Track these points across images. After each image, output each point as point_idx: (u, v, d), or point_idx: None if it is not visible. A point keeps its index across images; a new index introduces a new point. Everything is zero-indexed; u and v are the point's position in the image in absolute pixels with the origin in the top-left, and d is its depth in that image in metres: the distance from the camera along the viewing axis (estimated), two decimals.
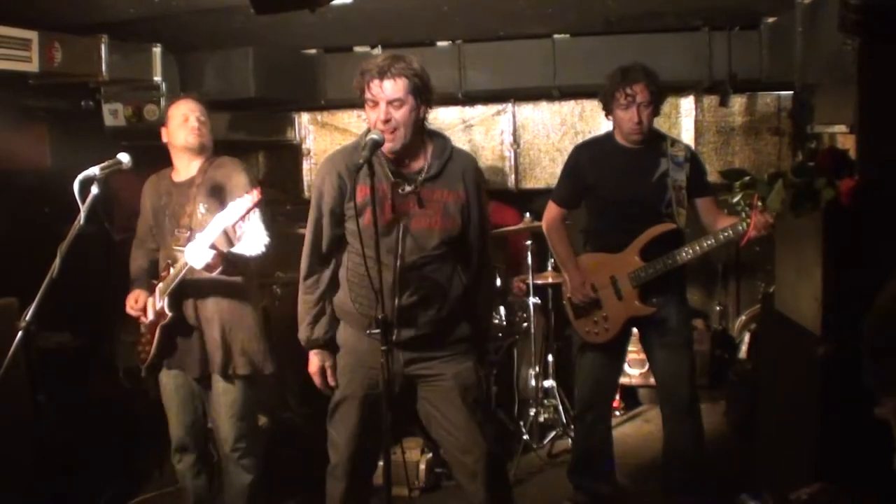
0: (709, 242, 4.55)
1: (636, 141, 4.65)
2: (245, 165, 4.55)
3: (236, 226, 4.12)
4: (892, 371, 1.34)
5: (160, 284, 4.36)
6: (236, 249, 4.24)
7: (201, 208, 4.36)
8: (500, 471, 4.06)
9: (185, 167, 4.47)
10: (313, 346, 3.91)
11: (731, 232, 4.43)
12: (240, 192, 4.10)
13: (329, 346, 3.90)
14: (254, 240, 4.29)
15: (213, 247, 3.99)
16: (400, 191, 3.64)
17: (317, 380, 3.92)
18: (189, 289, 4.33)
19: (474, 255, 3.85)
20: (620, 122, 4.64)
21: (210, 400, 4.50)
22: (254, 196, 3.89)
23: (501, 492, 4.00)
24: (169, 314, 4.31)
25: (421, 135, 3.70)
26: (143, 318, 4.44)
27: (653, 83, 4.54)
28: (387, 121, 3.51)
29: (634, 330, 4.92)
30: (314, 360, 3.92)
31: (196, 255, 3.98)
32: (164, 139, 4.49)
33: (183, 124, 4.40)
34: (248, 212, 3.91)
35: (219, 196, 4.36)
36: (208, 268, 4.04)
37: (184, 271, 4.16)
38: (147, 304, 4.42)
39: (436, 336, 3.79)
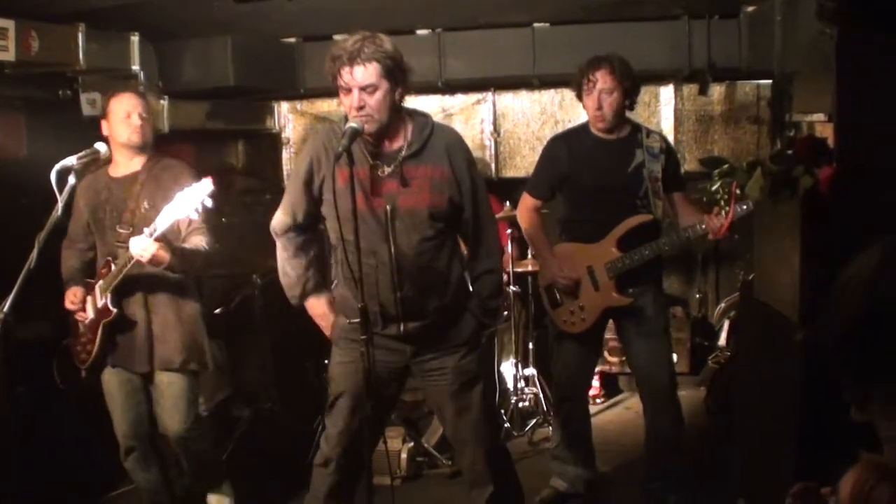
0: (687, 234, 4.56)
1: (602, 129, 4.66)
2: (193, 171, 4.47)
3: (181, 223, 4.08)
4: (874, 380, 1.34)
5: (100, 282, 4.29)
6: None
7: (145, 204, 4.30)
8: (501, 461, 4.06)
9: (126, 163, 4.41)
10: (308, 297, 3.89)
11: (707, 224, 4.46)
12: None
13: (319, 289, 3.89)
14: (198, 240, 4.28)
15: (159, 239, 3.96)
16: (380, 173, 3.60)
17: (323, 323, 3.91)
18: (132, 285, 4.28)
19: (471, 230, 3.81)
20: (586, 109, 4.67)
21: (153, 390, 4.46)
22: (207, 184, 3.81)
23: (504, 482, 4.01)
24: (113, 311, 4.25)
25: (400, 114, 3.63)
26: (81, 316, 4.38)
27: (619, 71, 4.54)
28: (360, 108, 3.44)
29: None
30: (316, 305, 3.90)
31: (142, 247, 3.93)
32: (105, 132, 4.39)
33: (125, 120, 4.32)
34: (202, 201, 3.81)
35: (165, 196, 4.24)
36: (154, 260, 4.00)
37: (129, 266, 4.10)
38: (87, 302, 4.36)
39: (439, 325, 3.76)
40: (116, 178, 4.41)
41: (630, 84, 4.58)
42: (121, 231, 4.29)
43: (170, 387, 4.42)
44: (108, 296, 4.24)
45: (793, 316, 3.50)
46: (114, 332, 4.34)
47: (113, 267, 4.23)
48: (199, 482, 4.75)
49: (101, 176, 4.44)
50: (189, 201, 3.82)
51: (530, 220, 4.90)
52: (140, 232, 4.07)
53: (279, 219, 3.83)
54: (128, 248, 4.11)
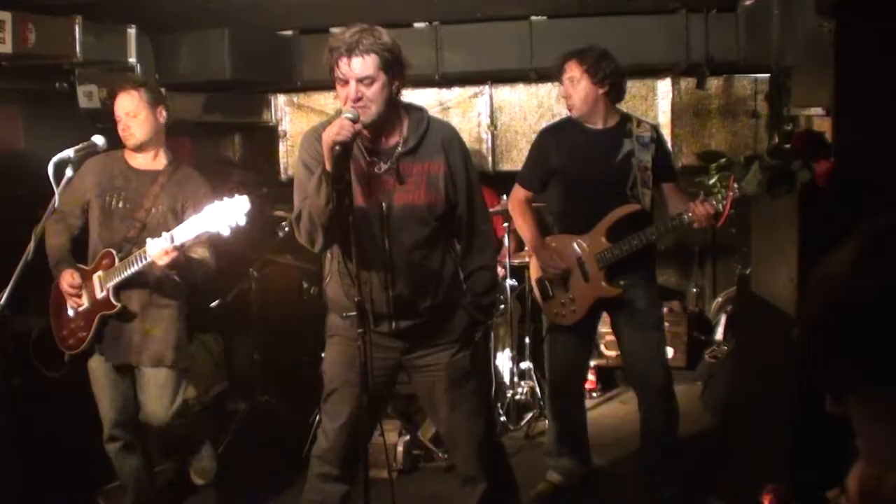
0: (674, 223, 4.56)
1: (581, 119, 4.68)
2: (210, 187, 4.50)
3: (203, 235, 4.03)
4: (852, 368, 1.33)
5: (100, 272, 4.31)
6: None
7: (161, 207, 4.35)
8: (495, 457, 4.03)
9: (144, 157, 4.46)
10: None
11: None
12: (202, 209, 3.95)
13: None
14: (202, 252, 4.30)
15: (177, 247, 3.97)
16: (376, 169, 3.57)
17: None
18: (132, 281, 4.28)
19: (464, 226, 3.77)
20: None
21: (140, 383, 4.49)
22: (245, 202, 3.78)
23: (499, 478, 3.99)
24: (117, 305, 4.28)
25: (396, 109, 3.60)
26: (77, 303, 4.39)
27: (587, 62, 4.58)
28: (357, 99, 3.39)
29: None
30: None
31: (161, 251, 3.95)
32: None
33: (119, 125, 4.37)
34: (237, 220, 3.79)
35: (183, 205, 4.37)
36: (170, 266, 4.03)
37: (140, 265, 4.12)
38: (82, 288, 4.37)
39: (432, 323, 3.74)
40: (136, 169, 4.45)
41: (602, 75, 4.58)
42: (130, 226, 4.32)
43: (156, 376, 4.44)
44: (111, 289, 4.26)
45: (789, 310, 3.51)
46: (106, 322, 4.37)
47: (117, 260, 4.24)
48: (176, 455, 4.76)
49: (118, 161, 4.46)
50: (224, 218, 3.80)
51: (521, 211, 4.91)
52: (152, 233, 4.12)
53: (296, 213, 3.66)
54: (136, 244, 4.19)
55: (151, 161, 4.46)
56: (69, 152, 3.53)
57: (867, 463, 1.41)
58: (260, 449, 5.68)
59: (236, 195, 3.83)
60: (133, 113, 4.34)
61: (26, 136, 5.74)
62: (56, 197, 3.43)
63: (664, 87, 6.75)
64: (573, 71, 4.60)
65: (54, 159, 3.45)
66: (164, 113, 4.45)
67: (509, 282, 6.11)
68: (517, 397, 6.19)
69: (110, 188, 4.40)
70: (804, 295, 1.42)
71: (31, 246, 3.39)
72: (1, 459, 4.51)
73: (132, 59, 5.92)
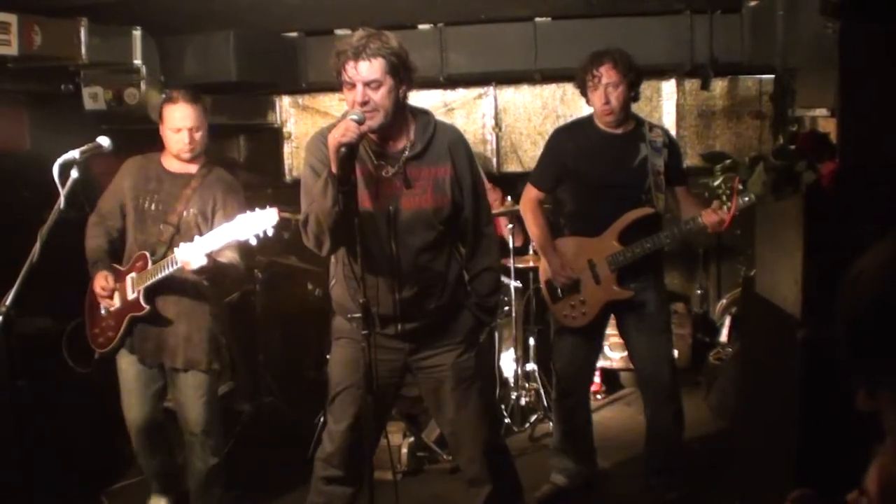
0: (688, 227, 4.56)
1: (610, 123, 4.66)
2: (241, 189, 4.59)
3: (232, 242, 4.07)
4: (887, 367, 1.33)
5: (133, 274, 4.35)
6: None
7: (193, 210, 4.39)
8: (500, 459, 4.02)
9: (180, 161, 4.48)
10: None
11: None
12: (232, 215, 4.04)
13: None
14: (231, 255, 4.33)
15: (208, 254, 4.00)
16: (384, 173, 3.58)
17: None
18: (165, 284, 4.32)
19: (470, 228, 3.78)
20: (593, 105, 4.67)
21: (175, 385, 4.52)
22: (273, 214, 3.83)
23: (503, 480, 3.98)
24: (146, 308, 4.32)
25: (403, 113, 3.61)
26: (109, 303, 4.42)
27: (622, 64, 4.54)
28: (364, 103, 3.41)
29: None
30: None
31: (191, 256, 3.99)
32: (161, 132, 4.46)
33: (176, 134, 4.38)
34: (265, 230, 3.85)
35: (214, 209, 4.40)
36: (200, 271, 4.06)
37: (171, 269, 4.16)
38: (115, 289, 4.40)
39: (437, 324, 3.75)
40: (170, 171, 4.48)
41: (634, 76, 4.59)
42: (163, 229, 4.36)
43: (190, 379, 4.47)
44: (142, 291, 4.30)
45: (795, 312, 3.50)
46: (136, 323, 4.40)
47: (150, 263, 4.29)
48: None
49: (154, 163, 4.51)
50: (251, 227, 3.86)
51: (533, 211, 4.89)
52: (185, 236, 4.21)
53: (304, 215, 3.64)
54: (169, 247, 4.23)
55: (187, 164, 4.48)
56: (75, 153, 3.53)
57: (892, 459, 1.40)
58: (265, 450, 5.68)
59: (267, 207, 3.88)
60: (197, 127, 4.40)
61: (32, 138, 5.75)
62: (61, 198, 3.44)
63: (669, 88, 6.76)
64: (612, 76, 4.54)
65: (60, 161, 3.46)
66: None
67: (513, 283, 6.11)
68: (522, 399, 6.19)
69: (144, 191, 4.45)
70: (838, 293, 1.41)
71: (37, 247, 3.38)
72: (6, 460, 4.52)
73: (137, 61, 5.92)
